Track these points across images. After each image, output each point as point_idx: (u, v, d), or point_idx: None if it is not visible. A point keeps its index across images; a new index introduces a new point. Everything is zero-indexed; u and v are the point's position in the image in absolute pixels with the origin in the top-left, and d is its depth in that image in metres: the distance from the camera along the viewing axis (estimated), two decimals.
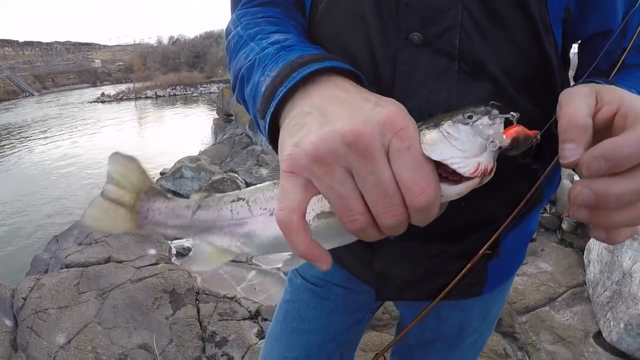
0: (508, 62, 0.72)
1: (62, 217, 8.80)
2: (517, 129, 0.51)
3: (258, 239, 0.57)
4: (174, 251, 4.17)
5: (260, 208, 0.57)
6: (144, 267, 3.47)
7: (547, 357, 3.04)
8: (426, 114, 0.59)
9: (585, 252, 4.07)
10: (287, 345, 1.19)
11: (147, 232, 0.63)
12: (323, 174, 0.47)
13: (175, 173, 5.46)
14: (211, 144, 12.59)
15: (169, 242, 4.22)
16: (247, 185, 5.69)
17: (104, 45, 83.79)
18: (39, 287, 3.18)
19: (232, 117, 10.39)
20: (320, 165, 0.46)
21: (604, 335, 3.14)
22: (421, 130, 0.49)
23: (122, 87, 43.67)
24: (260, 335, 2.93)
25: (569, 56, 0.85)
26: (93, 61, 62.24)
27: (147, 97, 38.43)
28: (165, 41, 72.65)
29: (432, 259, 0.88)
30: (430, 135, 0.48)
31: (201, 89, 42.28)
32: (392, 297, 1.09)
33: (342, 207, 0.47)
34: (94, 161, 14.77)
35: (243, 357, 2.75)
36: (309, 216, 0.53)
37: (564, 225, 4.79)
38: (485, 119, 0.49)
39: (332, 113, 0.50)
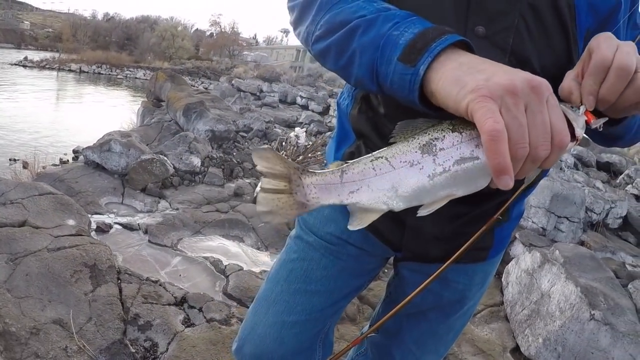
0: (545, 62, 0.93)
1: None
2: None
3: (402, 189, 0.68)
4: (93, 225, 3.93)
5: (400, 161, 0.67)
6: (62, 236, 3.21)
7: None
8: None
9: (503, 275, 4.29)
10: (287, 308, 1.20)
11: (312, 209, 0.72)
12: (512, 104, 0.60)
13: (102, 145, 5.19)
14: (132, 128, 12.45)
15: (89, 215, 3.98)
16: (176, 170, 5.54)
17: (36, 8, 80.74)
18: None
19: (163, 103, 10.11)
20: (512, 96, 0.60)
21: (522, 349, 3.32)
22: None
23: (47, 54, 42.50)
24: (187, 323, 2.79)
25: None
26: (22, 22, 59.68)
27: (70, 70, 37.36)
28: (99, 16, 71.05)
29: (459, 218, 1.06)
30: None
31: (127, 72, 41.28)
32: (418, 253, 1.17)
33: (520, 134, 0.60)
34: (4, 125, 13.97)
35: (169, 343, 2.59)
36: (449, 162, 0.65)
37: None
38: (584, 115, 0.74)
39: (503, 69, 0.64)
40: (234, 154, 6.96)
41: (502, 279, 4.28)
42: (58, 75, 33.03)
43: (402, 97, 0.75)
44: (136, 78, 39.26)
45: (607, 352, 2.90)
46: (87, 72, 38.27)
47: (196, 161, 5.79)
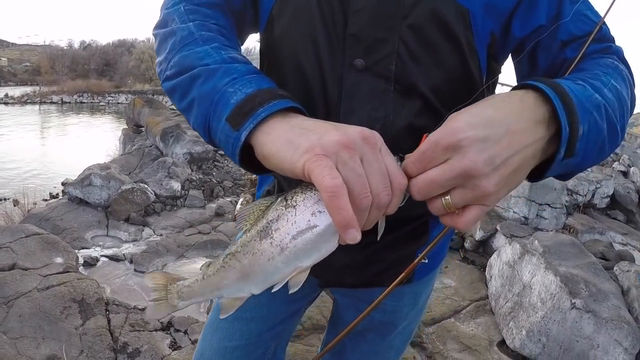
0: (436, 83, 0.88)
1: None
2: None
3: (251, 278, 0.72)
4: (81, 260, 4.07)
5: (244, 254, 0.71)
6: (51, 275, 3.37)
7: None
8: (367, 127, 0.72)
9: (487, 268, 4.40)
10: (227, 335, 1.27)
11: (184, 307, 0.86)
12: (348, 158, 0.61)
13: (83, 180, 5.36)
14: (118, 155, 12.21)
15: (76, 250, 4.12)
16: (157, 196, 5.69)
17: (12, 43, 79.21)
18: None
19: (142, 128, 10.22)
20: (347, 150, 0.61)
21: (508, 342, 3.41)
22: None
23: (28, 89, 42.00)
24: (174, 346, 2.94)
25: (497, 74, 1.00)
26: None
27: (52, 102, 37.29)
28: (76, 45, 70.59)
29: (368, 246, 1.02)
30: None
31: (109, 98, 41.19)
32: (333, 282, 1.20)
33: (361, 185, 0.61)
34: None
35: None
36: (286, 240, 0.67)
37: (467, 245, 5.21)
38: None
39: (334, 125, 0.67)
40: (214, 173, 7.10)
41: (486, 273, 4.38)
42: (40, 109, 33.06)
43: (230, 158, 0.77)
44: (118, 103, 39.32)
45: (591, 339, 3.00)
46: (69, 103, 38.32)
47: (176, 185, 5.95)
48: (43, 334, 2.86)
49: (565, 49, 0.90)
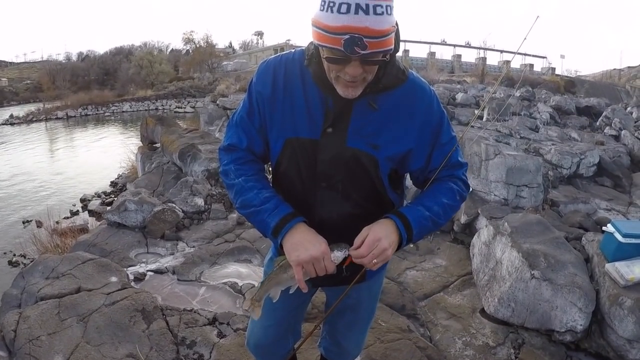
0: (361, 193, 1.66)
1: None
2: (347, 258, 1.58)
3: (282, 285, 1.69)
4: (131, 277, 4.53)
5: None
6: (112, 292, 3.88)
7: (442, 329, 3.77)
8: (327, 217, 1.65)
9: (470, 247, 4.86)
10: (266, 319, 1.98)
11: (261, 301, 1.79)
12: (314, 264, 1.52)
13: (120, 207, 5.79)
14: (130, 165, 12.47)
15: (125, 269, 4.61)
16: (185, 213, 6.13)
17: (10, 63, 76.06)
18: (25, 319, 3.50)
19: (157, 145, 10.55)
20: (306, 263, 1.51)
21: (486, 308, 3.91)
22: (331, 247, 1.56)
23: (32, 107, 40.27)
24: (220, 335, 3.54)
25: (402, 184, 1.83)
26: None
27: (58, 118, 36.03)
28: (74, 57, 68.58)
29: (338, 269, 1.66)
30: (332, 253, 1.55)
31: (113, 107, 40.25)
32: (322, 284, 1.96)
33: (314, 271, 1.53)
34: (5, 187, 13.94)
35: (211, 352, 3.35)
36: (276, 291, 1.69)
37: (455, 227, 5.61)
38: (344, 251, 1.56)
39: (311, 245, 1.52)
40: None
41: (470, 251, 4.82)
42: (47, 126, 32.24)
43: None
44: (123, 112, 38.56)
45: (551, 302, 3.46)
46: (75, 117, 37.34)
47: (200, 201, 6.38)
48: (118, 339, 3.37)
49: (430, 173, 1.69)
